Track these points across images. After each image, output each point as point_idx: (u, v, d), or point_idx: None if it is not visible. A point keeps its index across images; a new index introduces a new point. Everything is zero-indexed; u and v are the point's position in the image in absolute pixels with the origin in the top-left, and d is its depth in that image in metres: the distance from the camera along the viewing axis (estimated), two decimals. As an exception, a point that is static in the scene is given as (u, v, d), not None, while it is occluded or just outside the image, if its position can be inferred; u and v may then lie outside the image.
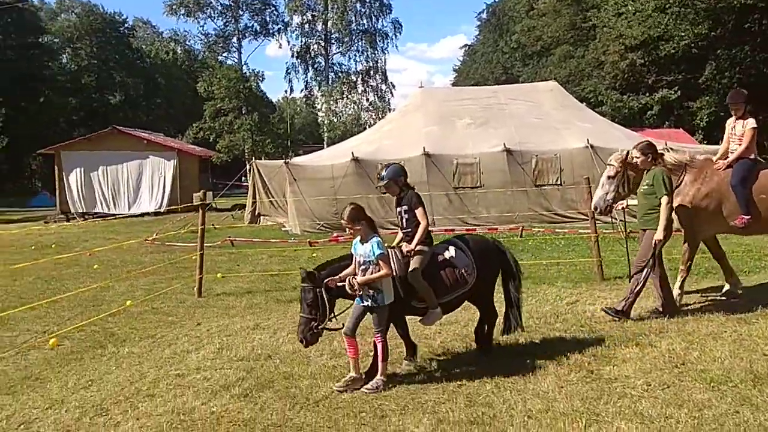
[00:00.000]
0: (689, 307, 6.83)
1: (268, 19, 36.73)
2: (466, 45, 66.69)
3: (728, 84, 29.07)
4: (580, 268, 9.53)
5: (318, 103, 38.19)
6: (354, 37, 36.13)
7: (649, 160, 6.39)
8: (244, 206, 21.93)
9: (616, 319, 6.23)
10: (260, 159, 20.87)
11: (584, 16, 38.95)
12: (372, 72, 37.27)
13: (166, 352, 5.84)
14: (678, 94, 33.35)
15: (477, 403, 4.33)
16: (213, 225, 17.19)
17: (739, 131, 6.86)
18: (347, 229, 4.79)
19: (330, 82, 35.76)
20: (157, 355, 5.75)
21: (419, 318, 5.14)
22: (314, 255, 12.33)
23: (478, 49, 57.72)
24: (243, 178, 37.12)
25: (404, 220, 5.19)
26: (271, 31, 36.93)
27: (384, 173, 5.25)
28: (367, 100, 36.76)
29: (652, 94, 34.28)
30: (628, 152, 6.78)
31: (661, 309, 6.37)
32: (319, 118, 47.12)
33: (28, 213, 31.52)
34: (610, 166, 6.88)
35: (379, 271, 4.62)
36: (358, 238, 4.78)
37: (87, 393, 4.78)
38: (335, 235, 14.22)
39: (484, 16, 56.77)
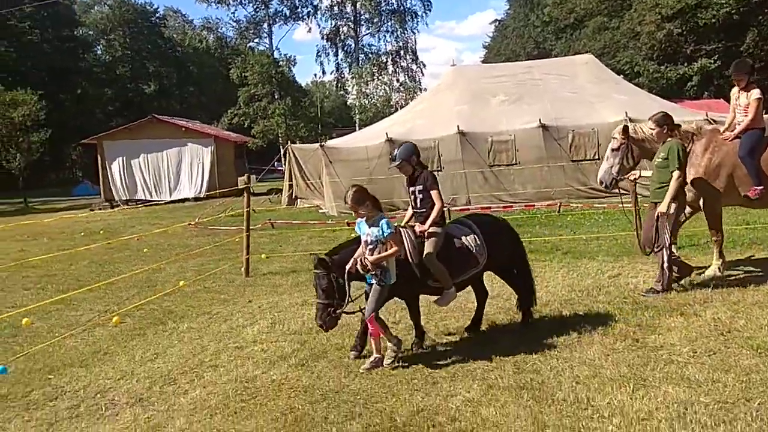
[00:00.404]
0: (733, 277, 6.81)
1: (297, 3, 36.80)
2: (496, 20, 65.72)
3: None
4: (620, 242, 9.50)
5: (348, 86, 38.30)
6: (383, 18, 36.00)
7: (664, 131, 6.29)
8: (279, 190, 22.32)
9: (659, 294, 6.20)
10: (294, 143, 21.11)
11: (618, -14, 37.92)
12: (402, 52, 37.16)
13: (223, 327, 6.14)
14: (718, 63, 32.33)
15: (525, 370, 4.48)
16: (252, 209, 17.55)
17: (743, 102, 6.77)
18: (353, 212, 4.76)
19: (360, 63, 35.76)
20: (214, 330, 6.06)
21: (434, 298, 5.17)
22: (353, 235, 12.53)
23: (509, 24, 56.75)
24: (276, 162, 37.65)
25: (418, 200, 5.15)
26: (300, 15, 37.07)
27: (396, 152, 5.21)
28: (398, 80, 36.72)
29: (691, 64, 33.35)
30: (626, 126, 6.80)
31: (659, 289, 6.27)
32: (350, 101, 47.33)
33: (72, 201, 32.67)
34: (614, 139, 6.83)
35: (387, 249, 4.65)
36: (363, 218, 4.76)
37: (154, 365, 5.10)
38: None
39: (514, -11, 55.72)
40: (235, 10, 35.38)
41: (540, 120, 14.77)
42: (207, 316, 6.62)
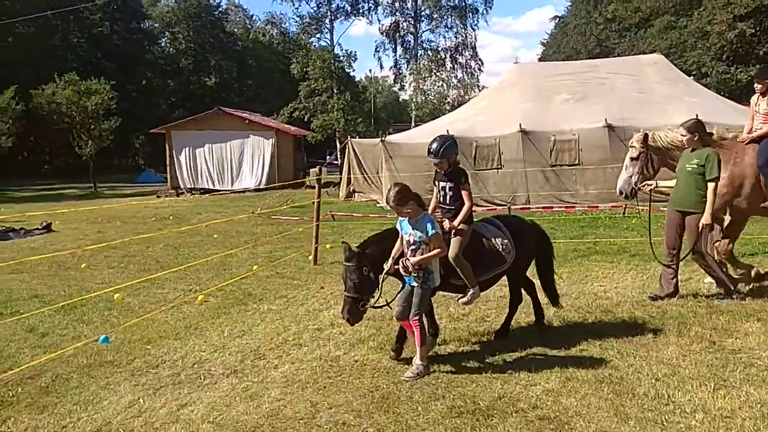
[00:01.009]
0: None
1: (359, -2, 37.23)
2: (556, 17, 64.48)
3: None
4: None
5: (405, 81, 38.45)
6: (444, 14, 35.99)
7: (695, 139, 6.16)
8: (335, 183, 22.75)
9: (733, 297, 6.17)
10: (354, 138, 21.47)
11: (688, -16, 36.67)
12: (461, 48, 37.04)
13: (301, 310, 6.44)
14: (793, 65, 30.89)
15: (602, 366, 4.56)
16: (313, 201, 18.04)
17: (763, 109, 6.64)
18: (396, 213, 4.55)
19: (418, 59, 35.87)
20: (293, 312, 6.37)
21: (459, 297, 5.04)
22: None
23: (570, 21, 55.60)
24: (328, 156, 38.29)
25: (447, 196, 5.03)
26: (361, 11, 37.47)
27: (434, 147, 4.97)
28: (456, 77, 36.66)
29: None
30: (647, 134, 6.69)
31: (662, 295, 6.32)
32: (403, 96, 47.41)
33: (138, 188, 34.13)
34: (632, 148, 6.70)
35: (430, 250, 4.46)
36: (406, 218, 4.55)
37: (242, 341, 5.44)
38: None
39: (576, -14, 54.49)
40: (299, 5, 36.16)
41: (606, 120, 14.57)
42: (284, 299, 6.95)
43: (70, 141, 32.26)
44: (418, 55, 36.78)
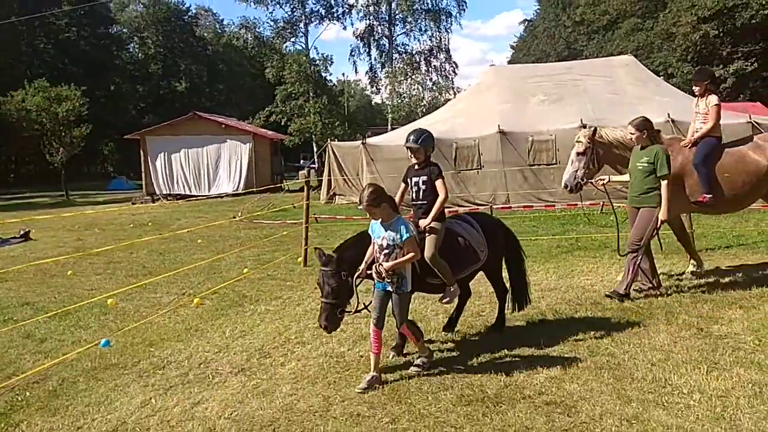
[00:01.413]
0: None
1: (333, 2, 37.30)
2: (525, 20, 65.57)
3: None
4: (667, 240, 9.65)
5: (381, 85, 38.70)
6: (418, 17, 36.32)
7: (644, 136, 6.27)
8: (315, 187, 22.76)
9: (621, 302, 6.16)
10: (333, 141, 21.54)
11: (654, -13, 37.71)
12: (435, 51, 37.43)
13: (298, 310, 6.52)
14: (755, 65, 32.00)
15: (599, 354, 4.76)
16: (293, 205, 18.08)
17: (702, 109, 6.82)
18: (368, 214, 4.38)
19: (393, 62, 36.14)
20: (291, 312, 6.44)
21: (440, 297, 5.04)
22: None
23: (539, 24, 56.59)
24: (302, 161, 38.20)
25: (420, 191, 4.94)
26: (335, 15, 37.59)
27: (413, 135, 4.96)
28: (431, 80, 37.00)
29: (727, 66, 33.03)
30: (595, 129, 6.78)
31: (622, 292, 6.28)
32: (376, 100, 47.58)
33: (110, 195, 33.59)
34: (579, 143, 6.76)
35: (404, 254, 4.32)
36: (379, 220, 4.39)
37: (245, 340, 5.49)
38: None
39: (544, -10, 55.51)
40: (273, 9, 36.07)
41: (581, 120, 14.93)
42: (280, 300, 7.01)
43: (40, 148, 31.60)
44: (393, 58, 37.10)
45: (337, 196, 19.58)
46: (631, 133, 6.34)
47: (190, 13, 66.52)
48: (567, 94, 16.62)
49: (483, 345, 5.11)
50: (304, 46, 37.50)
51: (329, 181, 19.54)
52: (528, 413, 3.79)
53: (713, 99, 6.76)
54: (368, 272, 4.43)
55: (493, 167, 15.59)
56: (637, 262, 6.33)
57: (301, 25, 37.13)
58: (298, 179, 27.33)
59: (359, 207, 4.50)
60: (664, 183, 6.13)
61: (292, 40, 37.84)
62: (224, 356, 5.11)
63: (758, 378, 4.14)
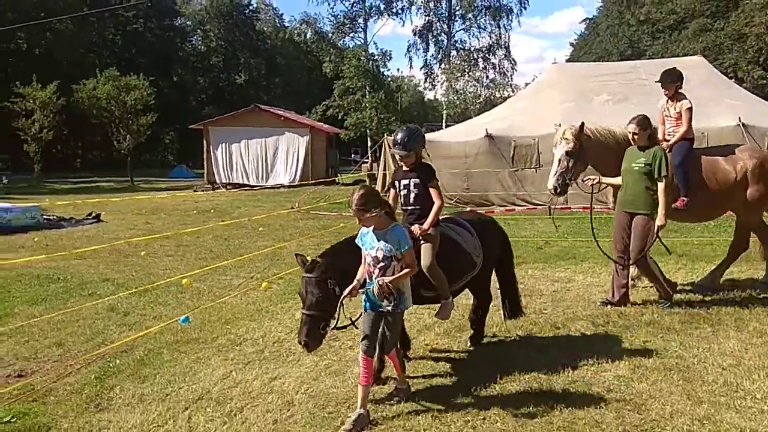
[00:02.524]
0: None
1: (393, -3, 37.56)
2: (586, 18, 64.07)
3: None
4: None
5: (437, 81, 38.66)
6: (478, 14, 36.10)
7: (647, 136, 5.94)
8: (363, 181, 23.05)
9: (668, 305, 6.04)
10: (390, 136, 21.77)
11: (725, -15, 36.25)
12: (494, 48, 37.11)
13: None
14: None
15: (668, 356, 4.74)
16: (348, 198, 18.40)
17: (674, 113, 6.62)
18: (359, 221, 3.80)
19: (451, 59, 36.07)
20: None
21: (436, 312, 4.61)
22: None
23: (601, 21, 55.21)
24: (353, 154, 38.61)
25: (411, 195, 4.48)
26: (395, 10, 37.79)
27: (400, 137, 4.48)
28: (488, 77, 36.75)
29: (802, 70, 31.48)
30: (582, 124, 6.34)
31: (612, 301, 6.16)
32: (429, 96, 47.36)
33: (172, 183, 34.87)
34: (565, 140, 6.28)
35: (402, 267, 3.81)
36: (371, 227, 3.84)
37: (314, 325, 5.71)
38: (468, 209, 14.77)
39: (608, -13, 54.11)
40: (334, 4, 36.58)
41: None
42: (344, 288, 7.23)
43: (107, 135, 33.10)
44: (451, 55, 36.98)
45: (392, 190, 19.78)
46: (633, 132, 5.94)
47: (251, 8, 68.07)
48: (632, 94, 16.22)
49: (549, 344, 5.17)
50: (362, 41, 37.93)
51: (384, 175, 19.75)
52: (597, 409, 3.84)
53: (686, 103, 6.54)
54: (360, 291, 3.90)
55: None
56: (650, 268, 6.10)
57: (360, 20, 37.52)
58: (353, 172, 27.76)
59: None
60: (662, 185, 5.79)
61: (351, 35, 38.33)
62: (295, 337, 5.34)
63: (837, 389, 4.06)
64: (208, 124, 27.73)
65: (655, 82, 7.00)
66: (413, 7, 37.69)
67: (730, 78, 31.66)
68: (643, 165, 5.86)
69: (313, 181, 22.79)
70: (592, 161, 6.44)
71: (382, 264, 3.80)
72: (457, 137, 17.48)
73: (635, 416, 3.74)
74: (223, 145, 26.75)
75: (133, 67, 40.95)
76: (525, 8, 38.36)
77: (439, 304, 4.52)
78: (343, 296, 3.88)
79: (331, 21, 36.92)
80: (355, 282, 3.90)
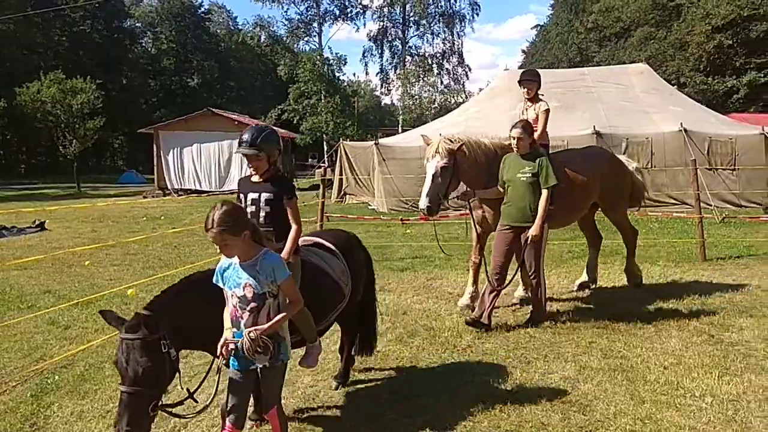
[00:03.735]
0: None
1: (347, 3, 37.63)
2: (538, 25, 65.64)
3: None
4: (678, 249, 9.78)
5: (392, 86, 39.01)
6: (431, 20, 36.56)
7: (529, 143, 5.57)
8: (318, 186, 22.94)
9: (535, 326, 5.61)
10: (346, 141, 21.75)
11: (668, -4, 37.79)
12: (448, 55, 37.65)
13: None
14: (768, 77, 32.03)
15: (612, 356, 4.87)
16: (303, 203, 18.26)
17: (531, 116, 6.36)
18: (218, 247, 2.90)
19: (405, 65, 36.37)
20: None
21: (300, 360, 3.84)
22: (408, 231, 13.00)
23: (551, 29, 56.65)
24: (311, 159, 38.46)
25: (262, 213, 3.58)
26: (349, 15, 37.85)
27: (247, 135, 3.60)
28: (442, 82, 37.22)
29: (740, 77, 33.02)
30: (449, 140, 5.72)
31: (475, 317, 5.61)
32: (386, 101, 47.89)
33: (121, 189, 33.87)
34: (437, 155, 5.63)
35: (279, 306, 2.98)
36: (234, 258, 2.97)
37: (265, 334, 5.62)
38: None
39: (558, -5, 55.67)
40: (288, 8, 36.36)
41: (594, 127, 15.01)
42: (297, 295, 7.14)
43: (54, 140, 31.90)
44: (406, 60, 37.30)
45: (347, 196, 19.74)
46: (518, 137, 5.52)
47: (203, 9, 66.99)
48: (580, 100, 16.68)
49: (498, 346, 5.23)
50: (317, 45, 37.87)
51: (340, 180, 19.70)
52: (544, 411, 3.90)
53: (543, 105, 6.33)
54: (232, 348, 2.96)
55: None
56: (541, 287, 5.68)
57: (315, 24, 37.46)
58: (308, 178, 27.56)
59: (207, 236, 2.92)
60: (545, 193, 5.43)
61: (306, 39, 38.21)
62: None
63: (769, 384, 4.24)
64: (159, 128, 27.04)
65: (518, 82, 6.72)
66: (368, 13, 37.99)
67: (674, 84, 33.00)
68: (530, 175, 5.48)
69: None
70: (464, 177, 5.83)
71: (253, 305, 2.93)
72: (412, 142, 17.56)
73: (580, 417, 3.82)
74: (175, 149, 26.12)
75: (79, 69, 39.63)
76: (477, 14, 39.17)
77: (303, 348, 3.74)
78: (217, 362, 2.95)
79: (285, 24, 36.84)
80: (225, 334, 2.97)
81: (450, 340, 5.42)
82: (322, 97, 33.86)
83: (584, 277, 7.29)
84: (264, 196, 3.59)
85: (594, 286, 7.27)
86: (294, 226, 3.57)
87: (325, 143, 33.84)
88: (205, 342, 3.14)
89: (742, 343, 5.16)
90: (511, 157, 5.66)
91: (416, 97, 33.71)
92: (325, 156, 27.84)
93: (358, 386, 4.39)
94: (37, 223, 14.50)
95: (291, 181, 3.76)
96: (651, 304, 6.40)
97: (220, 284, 3.04)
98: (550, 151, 6.32)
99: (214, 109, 28.74)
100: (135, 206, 20.49)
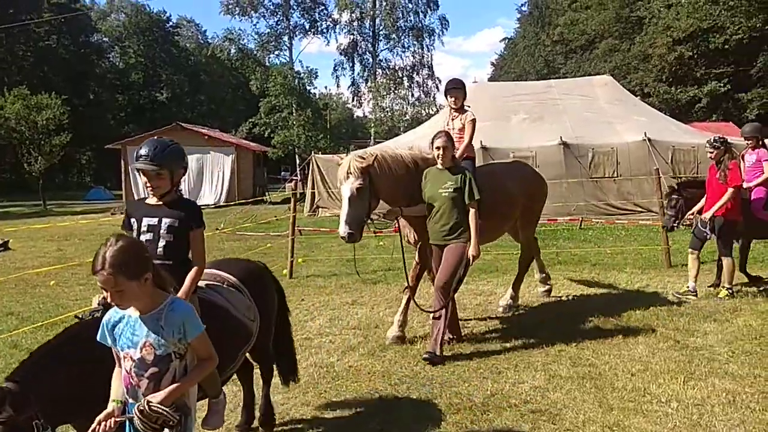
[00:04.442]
0: (762, 288, 7.30)
1: (317, 17, 37.78)
2: (506, 38, 66.71)
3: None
4: (645, 256, 9.99)
5: (364, 99, 39.19)
6: (401, 34, 36.90)
7: (451, 155, 5.27)
8: (289, 200, 22.86)
9: (442, 363, 5.04)
10: (317, 154, 21.73)
11: (631, 9, 38.79)
12: (418, 68, 38.01)
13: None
14: (728, 86, 33.03)
15: (581, 364, 4.93)
16: (275, 217, 18.17)
17: (458, 125, 6.05)
18: (109, 294, 2.26)
19: (376, 78, 36.60)
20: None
21: (202, 421, 3.18)
22: (381, 243, 13.00)
23: (519, 42, 57.66)
24: (283, 172, 38.31)
25: (160, 243, 3.06)
26: (320, 29, 37.97)
27: (146, 150, 3.08)
28: (413, 95, 37.52)
29: (701, 87, 34.02)
30: (376, 156, 5.26)
31: (438, 353, 5.11)
32: (358, 113, 48.16)
33: (88, 206, 33.19)
34: (350, 175, 5.12)
35: (187, 366, 2.40)
36: (128, 309, 2.35)
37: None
38: (397, 226, 14.90)
39: (525, 8, 56.73)
40: (258, 22, 36.30)
41: (561, 138, 15.29)
42: (268, 311, 7.08)
43: (18, 157, 31.16)
44: (377, 73, 37.54)
45: (320, 209, 19.70)
46: (441, 146, 5.17)
47: (171, 23, 66.45)
48: (547, 112, 17.00)
49: (469, 357, 5.25)
50: (287, 59, 37.87)
51: (313, 193, 19.65)
52: (514, 420, 3.93)
53: (469, 115, 5.99)
54: (120, 419, 2.35)
55: (475, 182, 15.83)
56: (451, 305, 5.34)
57: (285, 38, 37.46)
58: (281, 191, 27.46)
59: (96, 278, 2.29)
60: (473, 210, 5.14)
61: (276, 53, 38.17)
62: (215, 366, 5.17)
63: (732, 387, 4.34)
64: (127, 144, 26.64)
65: (444, 92, 6.35)
66: (338, 27, 38.17)
67: (638, 95, 33.85)
68: (452, 190, 5.15)
69: (239, 201, 22.33)
70: (383, 195, 5.37)
71: (153, 369, 2.32)
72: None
73: (550, 426, 3.86)
74: (144, 165, 25.73)
75: (45, 85, 38.94)
76: (446, 29, 39.63)
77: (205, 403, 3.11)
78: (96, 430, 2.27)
79: (255, 38, 36.79)
80: (111, 406, 2.36)
81: (422, 353, 5.42)
82: (294, 111, 33.79)
83: (539, 275, 7.40)
84: (166, 221, 3.07)
85: (550, 281, 7.45)
86: (197, 265, 3.08)
87: (297, 156, 33.79)
88: (96, 414, 2.34)
89: (707, 347, 5.28)
90: (433, 171, 5.31)
91: (387, 109, 33.90)
92: (298, 169, 27.78)
93: (331, 401, 4.36)
94: (0, 242, 14.11)
95: (198, 208, 3.24)
96: (618, 311, 6.52)
97: (108, 342, 2.37)
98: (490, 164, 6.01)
99: (183, 124, 28.43)
100: (103, 224, 20.08)
